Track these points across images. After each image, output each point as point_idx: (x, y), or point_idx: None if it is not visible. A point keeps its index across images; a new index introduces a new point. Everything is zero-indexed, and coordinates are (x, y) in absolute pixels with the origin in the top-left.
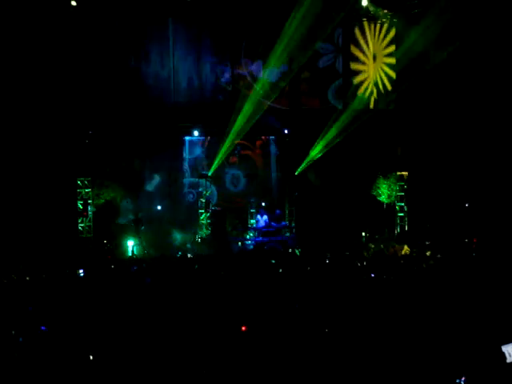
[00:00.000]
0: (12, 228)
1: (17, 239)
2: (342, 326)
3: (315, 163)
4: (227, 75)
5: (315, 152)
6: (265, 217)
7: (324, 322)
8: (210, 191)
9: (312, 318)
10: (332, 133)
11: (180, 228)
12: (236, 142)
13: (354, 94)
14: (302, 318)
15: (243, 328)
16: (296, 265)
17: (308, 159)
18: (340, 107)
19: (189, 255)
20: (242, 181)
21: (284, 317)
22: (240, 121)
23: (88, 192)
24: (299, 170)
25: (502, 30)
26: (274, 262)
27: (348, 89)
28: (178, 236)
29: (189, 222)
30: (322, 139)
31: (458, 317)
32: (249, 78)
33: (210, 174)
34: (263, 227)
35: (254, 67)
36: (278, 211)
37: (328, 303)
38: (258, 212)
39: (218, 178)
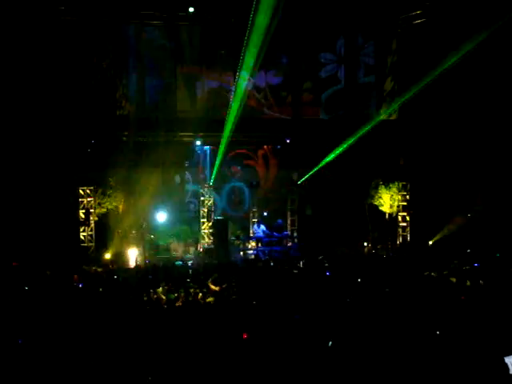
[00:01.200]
0: (14, 236)
1: (19, 248)
2: (343, 336)
3: (318, 173)
4: (230, 85)
5: (318, 162)
6: (262, 227)
7: (326, 333)
8: (212, 200)
9: (313, 327)
10: (335, 142)
11: (182, 237)
12: (237, 151)
13: (357, 104)
14: (303, 327)
15: (244, 336)
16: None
17: (312, 171)
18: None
19: (189, 263)
20: (245, 190)
21: (285, 325)
22: (241, 130)
23: (90, 201)
24: (302, 179)
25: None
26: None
27: (351, 98)
28: (179, 246)
29: (191, 232)
30: (325, 149)
31: (461, 328)
32: (251, 88)
33: (211, 183)
34: (263, 237)
35: (256, 77)
36: (279, 221)
37: (329, 313)
38: (258, 222)
39: (220, 188)
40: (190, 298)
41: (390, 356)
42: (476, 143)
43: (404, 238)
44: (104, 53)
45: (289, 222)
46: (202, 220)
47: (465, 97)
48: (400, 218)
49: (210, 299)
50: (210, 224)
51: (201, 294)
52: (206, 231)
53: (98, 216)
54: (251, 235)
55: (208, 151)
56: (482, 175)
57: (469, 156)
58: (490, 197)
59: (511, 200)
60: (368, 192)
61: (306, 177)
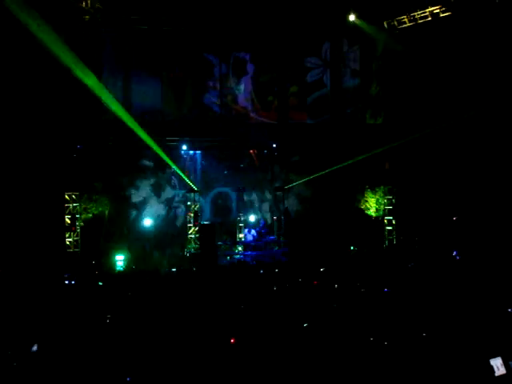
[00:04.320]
0: None
1: (3, 253)
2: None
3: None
4: (215, 91)
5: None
6: (253, 231)
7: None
8: (199, 205)
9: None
10: (321, 147)
11: (168, 242)
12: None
13: (342, 109)
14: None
15: (232, 340)
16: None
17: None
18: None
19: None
20: (231, 195)
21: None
22: (228, 135)
23: (76, 206)
24: (289, 185)
25: (489, 48)
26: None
27: (336, 103)
28: (164, 251)
29: (177, 237)
30: (311, 154)
31: (446, 330)
32: (237, 93)
33: (197, 188)
34: (251, 241)
35: (241, 82)
36: (262, 222)
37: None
38: (245, 226)
39: (206, 192)
40: None
41: (374, 356)
42: (461, 147)
43: (390, 241)
44: (89, 58)
45: (275, 227)
46: (188, 225)
47: (449, 100)
48: (386, 222)
49: None
50: (197, 229)
51: None
52: (193, 236)
53: (83, 221)
54: (238, 240)
55: (198, 156)
56: (467, 177)
57: (453, 159)
58: (474, 199)
59: (495, 202)
60: (354, 196)
61: (294, 183)
